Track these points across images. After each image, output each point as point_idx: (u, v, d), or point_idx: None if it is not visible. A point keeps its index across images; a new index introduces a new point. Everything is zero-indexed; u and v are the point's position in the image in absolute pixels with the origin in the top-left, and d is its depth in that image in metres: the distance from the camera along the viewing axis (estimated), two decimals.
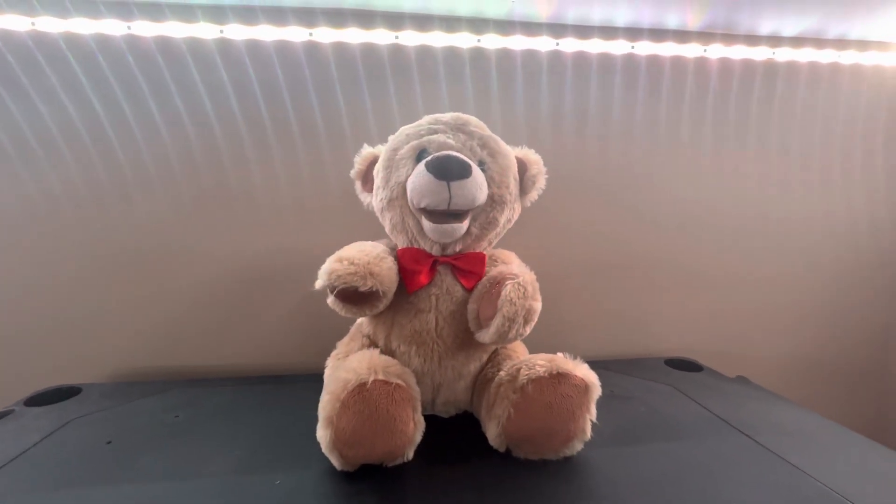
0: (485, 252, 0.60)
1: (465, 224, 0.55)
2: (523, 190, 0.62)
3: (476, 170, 0.53)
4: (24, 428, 0.59)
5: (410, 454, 0.50)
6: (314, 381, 0.60)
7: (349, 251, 0.53)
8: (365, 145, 0.64)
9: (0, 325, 0.76)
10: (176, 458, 0.52)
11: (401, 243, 0.60)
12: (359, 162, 0.63)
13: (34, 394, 0.68)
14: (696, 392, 0.71)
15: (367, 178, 0.63)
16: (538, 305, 0.51)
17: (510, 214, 0.60)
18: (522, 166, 0.61)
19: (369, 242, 0.58)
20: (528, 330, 0.51)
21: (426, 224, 0.55)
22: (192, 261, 0.79)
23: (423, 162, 0.53)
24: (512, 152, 0.61)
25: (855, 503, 0.45)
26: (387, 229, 0.61)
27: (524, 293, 0.50)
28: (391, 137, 0.60)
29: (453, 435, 0.57)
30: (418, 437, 0.50)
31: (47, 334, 0.77)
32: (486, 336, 0.52)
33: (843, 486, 0.48)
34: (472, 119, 0.59)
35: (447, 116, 0.59)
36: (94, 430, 0.59)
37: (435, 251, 0.58)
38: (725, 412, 0.64)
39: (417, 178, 0.53)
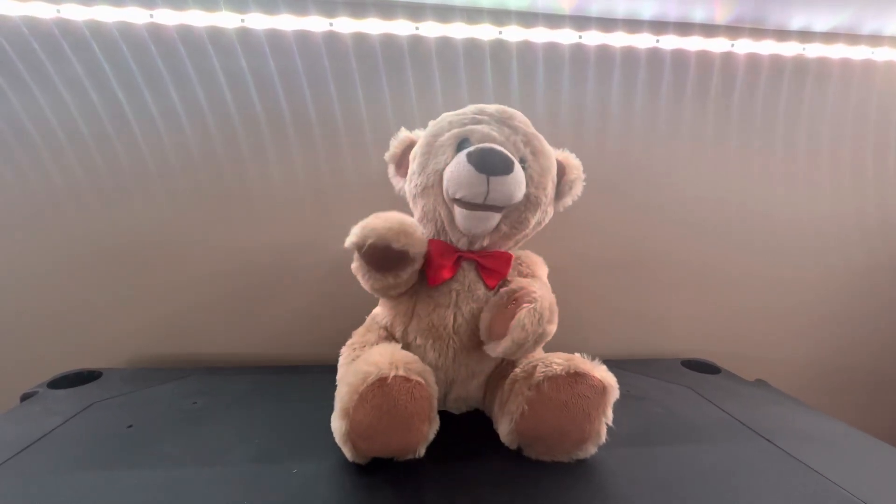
0: (511, 252, 0.59)
1: (498, 217, 0.53)
2: (559, 194, 0.60)
3: (517, 167, 0.51)
4: (47, 410, 0.60)
5: (422, 451, 0.49)
6: (329, 371, 0.60)
7: (381, 214, 0.51)
8: (402, 128, 0.62)
9: (25, 309, 0.78)
10: (194, 444, 0.53)
11: (428, 232, 0.58)
12: (395, 145, 0.61)
13: (57, 376, 0.70)
14: (714, 394, 0.70)
15: (401, 163, 0.61)
16: (552, 329, 0.50)
17: (542, 217, 0.58)
18: (561, 170, 0.59)
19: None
20: (539, 350, 0.51)
21: (458, 212, 0.53)
22: (211, 251, 0.80)
23: (465, 152, 0.51)
24: (553, 153, 0.59)
25: None
26: (416, 216, 0.59)
27: (539, 319, 0.48)
28: (431, 122, 0.58)
29: (465, 431, 0.57)
30: (432, 435, 0.50)
31: (70, 319, 0.79)
32: (492, 351, 0.52)
33: (865, 492, 0.47)
34: (518, 114, 0.57)
35: (492, 108, 0.57)
36: (115, 413, 0.60)
37: (462, 245, 0.56)
38: (744, 415, 0.63)
39: (457, 167, 0.51)
